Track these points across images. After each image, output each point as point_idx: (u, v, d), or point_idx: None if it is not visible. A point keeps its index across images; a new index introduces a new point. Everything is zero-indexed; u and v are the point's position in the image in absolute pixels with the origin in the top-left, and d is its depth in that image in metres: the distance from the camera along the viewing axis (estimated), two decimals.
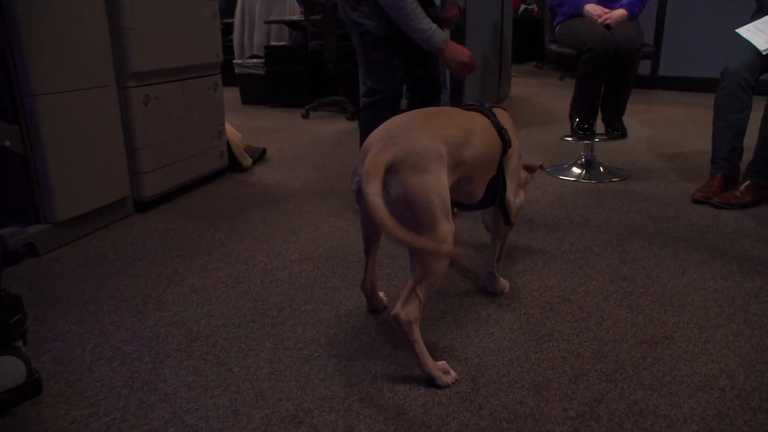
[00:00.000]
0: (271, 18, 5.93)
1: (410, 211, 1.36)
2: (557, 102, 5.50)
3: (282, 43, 5.90)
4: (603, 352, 1.54)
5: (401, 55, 2.40)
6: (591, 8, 2.93)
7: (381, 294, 1.79)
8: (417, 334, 1.40)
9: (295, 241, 2.30)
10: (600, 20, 2.89)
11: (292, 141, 4.18)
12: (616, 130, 3.07)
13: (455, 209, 1.57)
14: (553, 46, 3.10)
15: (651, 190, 2.89)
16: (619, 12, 2.89)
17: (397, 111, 2.42)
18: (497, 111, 1.75)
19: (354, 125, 4.72)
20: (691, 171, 3.20)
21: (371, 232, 1.66)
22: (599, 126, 3.14)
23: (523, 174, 1.91)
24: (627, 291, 1.86)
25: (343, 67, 5.00)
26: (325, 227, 2.45)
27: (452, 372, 1.44)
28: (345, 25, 2.42)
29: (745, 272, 1.98)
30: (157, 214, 2.66)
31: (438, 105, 2.64)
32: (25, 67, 2.06)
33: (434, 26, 2.24)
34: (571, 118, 3.10)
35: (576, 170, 3.17)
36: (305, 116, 5.14)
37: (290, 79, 5.58)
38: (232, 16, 6.29)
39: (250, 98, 5.88)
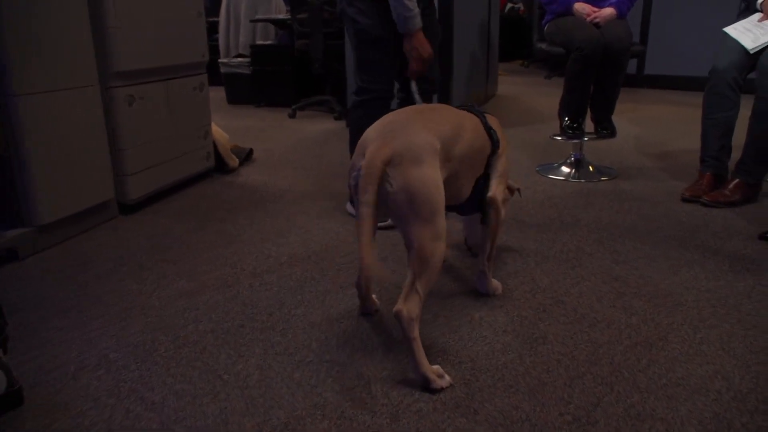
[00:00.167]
0: (257, 17, 5.87)
1: (410, 203, 1.38)
2: (544, 101, 5.50)
3: (268, 42, 5.85)
4: (598, 354, 1.52)
5: (396, 55, 2.37)
6: (580, 7, 2.92)
7: (373, 296, 1.76)
8: (416, 332, 1.38)
9: (284, 244, 2.27)
10: (589, 19, 2.88)
11: (279, 141, 4.14)
12: (605, 129, 3.07)
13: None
14: (542, 45, 3.08)
15: (640, 189, 2.88)
16: (608, 11, 2.88)
17: (387, 111, 2.39)
18: (486, 114, 1.75)
19: (341, 125, 4.68)
20: (679, 170, 3.20)
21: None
22: (588, 125, 3.13)
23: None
24: (620, 292, 1.85)
25: (329, 67, 4.97)
26: (314, 229, 2.42)
27: (446, 376, 1.42)
28: (340, 20, 2.38)
29: (736, 271, 1.98)
30: (142, 216, 2.61)
31: (430, 101, 2.61)
32: (6, 67, 2.01)
33: (418, 9, 2.21)
34: (561, 117, 3.09)
35: (565, 169, 3.16)
36: (292, 116, 5.10)
37: (276, 78, 5.53)
38: (217, 14, 6.23)
39: (235, 98, 5.82)
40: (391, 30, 2.29)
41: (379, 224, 2.30)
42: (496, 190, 1.72)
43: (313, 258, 2.14)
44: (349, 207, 2.56)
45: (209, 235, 2.38)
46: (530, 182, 3.02)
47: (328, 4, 4.78)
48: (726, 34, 2.70)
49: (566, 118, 3.04)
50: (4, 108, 2.05)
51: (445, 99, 4.15)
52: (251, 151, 3.61)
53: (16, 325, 1.70)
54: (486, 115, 1.75)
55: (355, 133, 2.42)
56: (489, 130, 1.69)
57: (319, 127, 4.64)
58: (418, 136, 1.43)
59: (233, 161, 3.34)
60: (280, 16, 5.72)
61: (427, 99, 2.57)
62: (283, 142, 4.09)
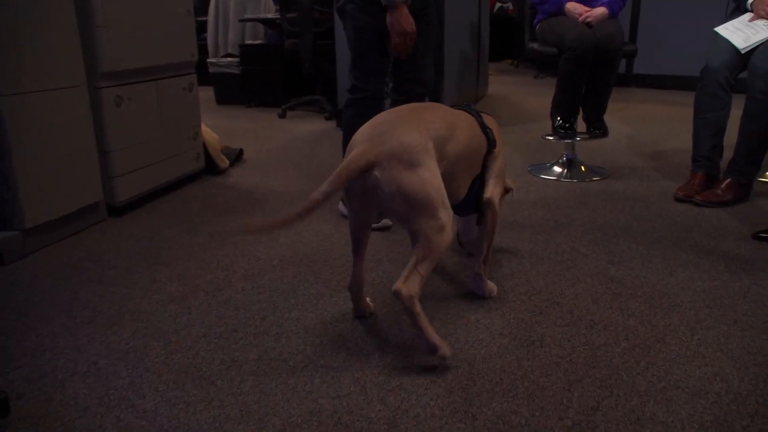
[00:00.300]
0: (246, 16, 5.83)
1: (408, 206, 1.39)
2: (534, 100, 5.50)
3: (257, 42, 5.81)
4: (596, 357, 1.51)
5: (392, 54, 2.34)
6: (572, 6, 2.91)
7: (368, 299, 1.74)
8: (418, 308, 1.41)
9: (276, 246, 2.24)
10: (581, 18, 2.87)
11: (270, 141, 4.11)
12: (597, 128, 3.06)
13: None
14: (534, 45, 3.07)
15: (633, 188, 2.88)
16: (600, 10, 2.87)
17: (380, 111, 2.37)
18: (483, 114, 1.73)
19: (332, 125, 4.66)
20: (671, 169, 3.20)
21: (361, 233, 1.61)
22: (580, 125, 3.13)
23: None
24: (616, 293, 1.84)
25: (319, 66, 4.94)
26: (306, 231, 2.39)
27: (451, 350, 1.47)
28: (340, 17, 2.35)
29: (731, 272, 1.97)
30: (131, 219, 2.57)
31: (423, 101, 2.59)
32: None
33: None
34: (553, 117, 3.08)
35: (557, 169, 3.15)
36: (282, 116, 5.06)
37: (266, 78, 5.49)
38: (206, 14, 6.18)
39: (225, 98, 5.77)
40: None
41: (373, 225, 2.28)
42: (492, 191, 1.71)
43: (306, 260, 2.11)
44: (341, 207, 2.54)
45: (200, 237, 2.34)
46: (523, 182, 3.01)
47: (318, 3, 4.75)
48: (717, 33, 2.70)
49: (558, 118, 3.03)
50: None
51: (437, 99, 4.13)
52: (241, 151, 3.58)
53: (1, 331, 1.67)
54: (483, 114, 1.73)
55: (348, 133, 2.40)
56: (485, 129, 1.67)
57: (310, 127, 4.61)
58: (408, 137, 1.41)
59: (223, 162, 3.31)
60: (270, 16, 5.68)
61: (419, 100, 2.55)
62: (274, 143, 4.06)
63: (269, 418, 1.30)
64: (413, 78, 2.45)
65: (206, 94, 5.49)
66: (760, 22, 2.59)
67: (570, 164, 3.13)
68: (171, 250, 2.23)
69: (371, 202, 1.49)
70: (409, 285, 1.40)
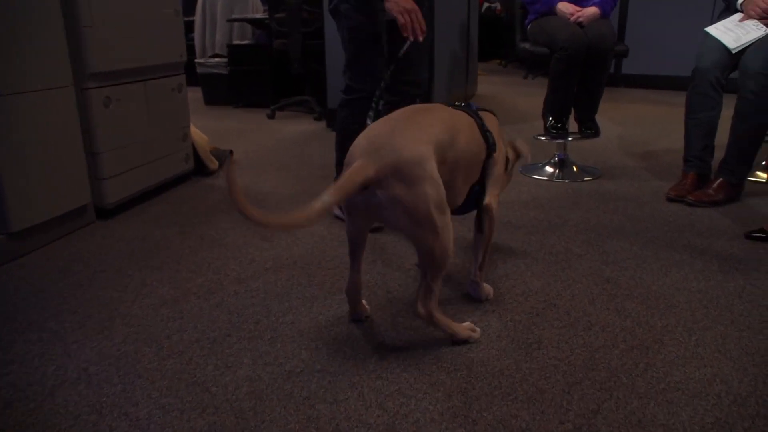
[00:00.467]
0: (234, 16, 5.79)
1: (410, 222, 1.39)
2: (524, 100, 5.50)
3: (245, 42, 5.76)
4: (594, 359, 1.50)
5: (388, 54, 2.32)
6: (563, 6, 2.90)
7: (364, 302, 1.72)
8: (438, 317, 1.51)
9: (269, 248, 2.21)
10: (572, 18, 2.87)
11: (259, 142, 4.07)
12: (589, 128, 3.06)
13: None
14: (526, 45, 3.06)
15: (625, 188, 2.88)
16: (591, 10, 2.87)
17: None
18: (484, 114, 1.71)
19: (322, 125, 4.63)
20: (662, 169, 3.21)
21: (359, 239, 1.59)
22: (572, 125, 3.12)
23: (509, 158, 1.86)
24: (612, 294, 1.83)
25: (308, 67, 4.91)
26: (299, 233, 2.36)
27: (477, 329, 1.60)
28: (333, 15, 2.32)
29: (725, 271, 1.97)
30: (120, 221, 2.53)
31: (416, 102, 2.57)
32: None
33: None
34: (544, 117, 3.07)
35: (549, 169, 3.14)
36: (271, 116, 5.03)
37: (254, 78, 5.46)
38: (193, 14, 6.13)
39: (213, 99, 5.73)
40: (383, 29, 2.25)
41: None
42: (491, 197, 1.68)
43: (299, 263, 2.09)
44: (335, 210, 2.51)
45: (190, 239, 2.31)
46: (514, 182, 3.00)
47: (307, 3, 4.72)
48: (707, 33, 2.71)
49: (550, 118, 3.03)
50: None
51: (428, 98, 4.12)
52: (231, 153, 3.55)
53: None
54: (483, 114, 1.71)
55: (342, 133, 2.38)
56: (485, 132, 1.65)
57: (299, 128, 4.58)
58: (406, 151, 1.37)
59: (213, 163, 3.27)
60: (258, 16, 5.64)
61: (412, 101, 2.53)
62: (263, 144, 4.03)
63: (266, 425, 1.28)
64: (407, 79, 2.44)
65: (194, 94, 5.42)
66: (751, 22, 2.59)
67: (562, 164, 3.13)
68: (161, 252, 2.19)
69: (371, 215, 1.47)
70: (425, 303, 1.48)
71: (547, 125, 3.05)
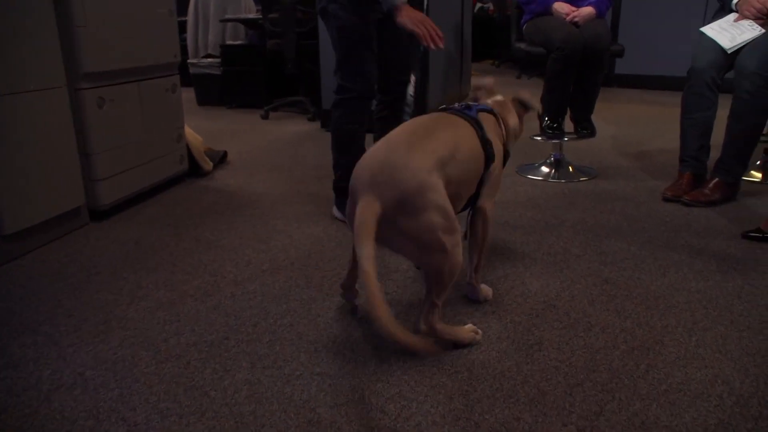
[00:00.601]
0: (227, 16, 5.76)
1: (418, 250, 1.42)
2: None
3: (238, 42, 5.74)
4: (595, 360, 1.49)
5: (378, 53, 2.32)
6: (559, 6, 2.90)
7: (357, 287, 1.75)
8: (440, 328, 1.50)
9: (265, 250, 2.20)
10: (568, 18, 2.87)
11: (253, 143, 4.05)
12: (585, 128, 3.05)
13: None
14: (521, 45, 3.06)
15: (621, 189, 2.88)
16: (587, 10, 2.86)
17: (368, 111, 2.33)
18: (485, 117, 1.68)
19: (316, 126, 4.61)
20: (657, 169, 3.21)
21: None
22: (567, 125, 3.12)
23: (513, 118, 1.86)
24: (611, 294, 1.83)
25: (303, 67, 4.89)
26: (295, 234, 2.35)
27: (479, 331, 1.59)
28: (322, 18, 2.31)
29: (724, 272, 1.97)
30: (114, 223, 2.51)
31: (409, 104, 2.57)
32: None
33: None
34: (540, 117, 3.07)
35: (545, 169, 3.14)
36: (264, 117, 5.01)
37: (248, 79, 5.43)
38: (185, 14, 6.09)
39: (206, 99, 5.70)
40: (373, 28, 2.24)
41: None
42: (486, 201, 1.67)
43: (296, 264, 2.07)
44: (336, 212, 2.49)
45: (186, 241, 2.29)
46: (510, 182, 2.99)
47: (301, 3, 4.70)
48: (703, 34, 2.71)
49: (546, 118, 3.02)
50: None
51: (422, 98, 4.11)
52: (225, 153, 3.53)
53: None
54: (484, 117, 1.67)
55: (336, 133, 2.36)
56: (485, 144, 1.61)
57: (294, 129, 4.56)
58: (411, 182, 1.36)
59: (207, 164, 3.25)
60: (251, 16, 5.61)
61: (400, 98, 2.53)
62: (258, 144, 4.01)
63: (266, 429, 1.26)
64: (399, 79, 2.43)
65: (186, 95, 5.40)
66: (746, 22, 2.60)
67: (558, 164, 3.13)
68: (156, 254, 2.17)
69: (377, 243, 1.47)
70: (428, 319, 1.48)
71: (543, 125, 3.04)
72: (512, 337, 1.60)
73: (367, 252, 1.28)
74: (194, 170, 3.17)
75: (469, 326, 1.59)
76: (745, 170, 2.68)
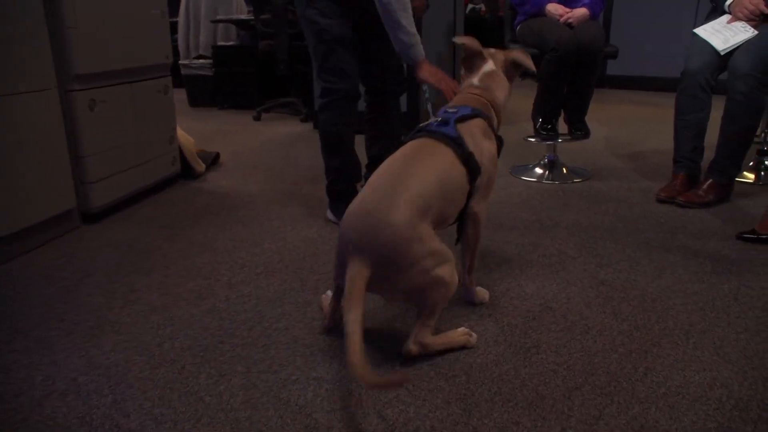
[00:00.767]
0: (218, 17, 5.73)
1: (409, 296, 1.47)
2: (509, 102, 5.49)
3: (230, 43, 5.71)
4: (593, 363, 1.48)
5: (359, 54, 2.31)
6: (552, 8, 2.90)
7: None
8: (431, 343, 1.49)
9: (259, 252, 2.18)
10: (562, 19, 2.86)
11: (245, 144, 4.03)
12: (579, 130, 3.05)
13: None
14: (516, 46, 3.05)
15: (615, 190, 2.88)
16: (581, 11, 2.86)
17: (354, 112, 2.31)
18: (465, 129, 1.61)
19: (308, 127, 4.60)
20: (651, 170, 3.22)
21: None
22: (561, 126, 3.12)
23: (503, 91, 1.83)
24: (608, 296, 1.82)
25: (295, 68, 4.87)
26: (289, 236, 2.33)
27: (473, 333, 1.58)
28: (299, 23, 2.30)
29: (719, 273, 1.97)
30: (106, 225, 2.48)
31: (397, 105, 2.55)
32: None
33: (419, 38, 2.13)
34: (534, 119, 3.06)
35: (539, 171, 3.14)
36: (257, 118, 4.99)
37: (240, 80, 5.41)
38: (176, 15, 6.06)
39: (197, 100, 5.67)
40: (352, 30, 2.23)
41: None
42: (477, 203, 1.65)
43: (291, 267, 2.06)
44: (329, 215, 2.48)
45: (179, 244, 2.27)
46: (504, 184, 2.99)
47: (292, 4, 4.67)
48: (696, 35, 2.71)
49: (540, 120, 3.02)
50: None
51: (415, 100, 4.10)
52: (218, 155, 3.50)
53: None
54: (464, 129, 1.61)
55: (325, 136, 2.35)
56: (468, 162, 1.57)
57: (286, 130, 4.55)
58: (395, 236, 1.37)
59: (200, 166, 3.23)
60: (242, 17, 5.59)
61: (395, 98, 2.52)
62: (250, 146, 3.99)
63: None
64: (382, 77, 2.44)
65: (178, 96, 5.36)
66: (739, 24, 2.60)
67: (552, 166, 3.13)
68: (149, 257, 2.15)
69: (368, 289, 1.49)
70: (417, 340, 1.47)
71: (537, 127, 3.04)
72: (509, 340, 1.59)
73: (355, 317, 1.31)
74: (186, 172, 3.15)
75: (462, 329, 1.58)
76: (739, 171, 2.68)
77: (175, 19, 6.04)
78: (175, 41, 5.98)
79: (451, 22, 5.22)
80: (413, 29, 2.09)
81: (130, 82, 2.62)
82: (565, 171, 3.12)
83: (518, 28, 3.07)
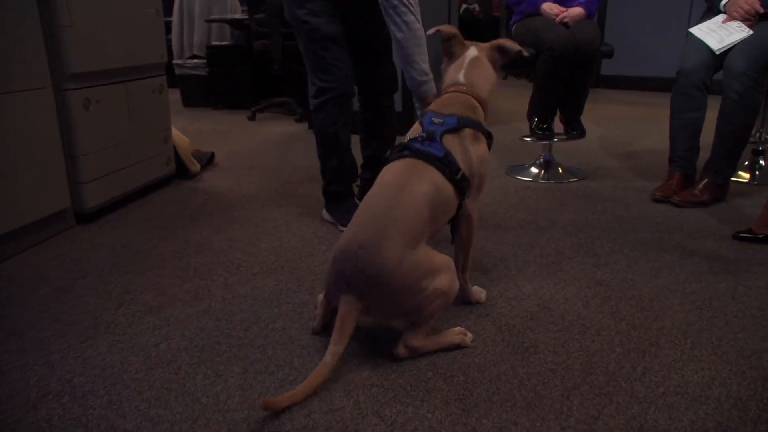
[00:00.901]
0: (212, 17, 5.71)
1: (406, 316, 1.48)
2: (504, 101, 5.50)
3: (224, 43, 5.69)
4: (591, 363, 1.48)
5: (351, 52, 2.30)
6: (548, 7, 2.89)
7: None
8: (422, 345, 1.49)
9: (255, 253, 2.17)
10: (557, 19, 2.86)
11: (240, 144, 4.02)
12: (575, 129, 3.05)
13: None
14: None
15: (611, 189, 2.88)
16: (577, 10, 2.86)
17: (349, 111, 2.30)
18: (452, 141, 1.58)
19: (303, 127, 4.59)
20: (646, 170, 3.22)
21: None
22: (557, 125, 3.12)
23: (488, 84, 1.77)
24: (605, 296, 1.82)
25: (289, 68, 4.86)
26: (285, 236, 2.32)
27: (468, 333, 1.57)
28: (290, 23, 2.29)
29: (716, 273, 1.97)
30: (101, 226, 2.47)
31: (392, 104, 2.55)
32: None
33: (432, 75, 2.12)
34: (530, 118, 3.06)
35: (534, 170, 3.14)
36: (251, 118, 4.97)
37: (234, 79, 5.39)
38: (170, 14, 6.03)
39: (191, 100, 5.65)
40: (344, 29, 2.23)
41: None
42: (470, 203, 1.64)
43: (287, 267, 2.05)
44: (325, 215, 2.47)
45: (174, 244, 2.26)
46: (500, 183, 2.99)
47: None
48: (691, 34, 2.72)
49: (536, 119, 3.02)
50: None
51: (410, 101, 4.09)
52: (213, 155, 3.49)
53: None
54: (450, 142, 1.57)
55: (321, 137, 2.34)
56: (455, 180, 1.55)
57: (281, 130, 4.53)
58: (389, 275, 1.38)
59: (195, 166, 3.21)
60: (236, 16, 5.58)
61: (389, 96, 2.51)
62: (245, 146, 3.97)
63: None
64: (375, 74, 2.43)
65: (172, 96, 5.34)
66: (734, 24, 2.61)
67: (547, 165, 3.13)
68: (144, 257, 2.14)
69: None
70: (408, 343, 1.48)
71: (533, 126, 3.04)
72: (507, 340, 1.58)
73: (337, 350, 1.37)
74: (181, 172, 3.13)
75: (458, 329, 1.58)
76: (735, 171, 2.69)
77: (168, 19, 6.02)
78: (168, 41, 5.95)
79: (446, 22, 5.21)
80: (426, 65, 2.09)
81: (124, 82, 2.61)
82: (560, 171, 3.12)
83: (514, 27, 3.07)
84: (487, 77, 1.75)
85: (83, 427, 1.27)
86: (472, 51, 1.76)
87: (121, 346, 1.57)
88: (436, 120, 1.61)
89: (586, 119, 3.13)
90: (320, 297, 1.68)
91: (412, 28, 2.07)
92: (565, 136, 3.09)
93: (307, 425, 1.27)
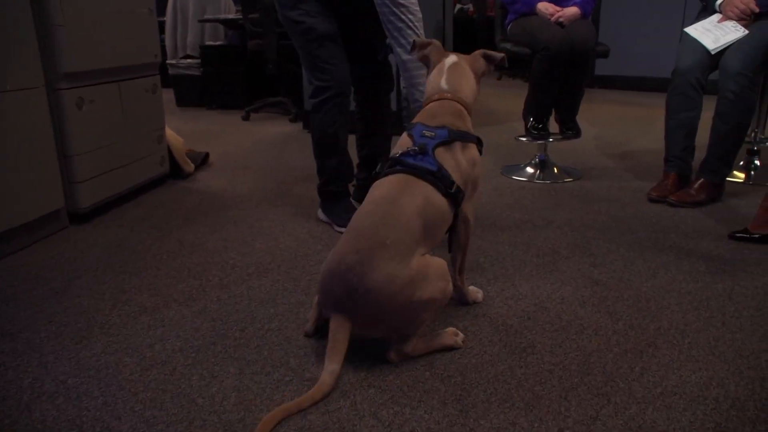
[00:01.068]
0: (206, 16, 5.69)
1: (407, 326, 1.46)
2: (499, 101, 5.50)
3: (218, 43, 5.67)
4: (589, 363, 1.47)
5: (347, 52, 2.29)
6: (543, 7, 2.89)
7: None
8: (413, 350, 1.48)
9: (250, 253, 2.15)
10: (553, 18, 2.86)
11: (235, 144, 4.00)
12: (570, 129, 3.05)
13: None
14: (507, 45, 3.04)
15: (606, 189, 2.88)
16: (572, 10, 2.86)
17: (348, 110, 2.29)
18: (444, 154, 1.56)
19: (298, 127, 4.57)
20: (641, 170, 3.22)
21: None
22: (552, 125, 3.12)
23: (470, 92, 1.75)
24: (602, 296, 1.81)
25: (284, 67, 4.84)
26: (281, 236, 2.31)
27: (459, 333, 1.57)
28: (283, 23, 2.27)
29: (713, 272, 1.97)
30: (95, 226, 2.45)
31: (388, 103, 2.54)
32: None
33: None
34: (525, 118, 3.06)
35: (530, 170, 3.14)
36: (245, 118, 4.96)
37: (228, 79, 5.37)
38: (163, 14, 6.01)
39: (185, 100, 5.63)
40: (339, 28, 2.22)
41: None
42: (464, 205, 1.63)
43: (283, 267, 2.03)
44: (321, 214, 2.46)
45: (169, 244, 2.24)
46: (496, 184, 2.98)
47: None
48: (687, 34, 2.72)
49: (531, 119, 3.01)
50: None
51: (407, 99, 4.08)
52: (207, 155, 3.47)
53: None
54: (442, 155, 1.56)
55: (319, 137, 2.32)
56: (449, 194, 1.54)
57: (275, 130, 4.52)
58: (377, 294, 1.36)
59: (189, 166, 3.19)
60: (230, 16, 5.56)
61: (385, 95, 2.50)
62: (239, 146, 3.96)
63: None
64: (376, 76, 2.42)
65: (165, 96, 5.32)
66: (729, 23, 2.61)
67: (543, 165, 3.13)
68: (139, 258, 2.12)
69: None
70: (397, 347, 1.47)
71: (529, 126, 3.04)
72: (504, 340, 1.58)
73: (333, 368, 1.36)
74: (175, 172, 3.11)
75: (451, 329, 1.57)
76: (730, 171, 2.69)
77: (162, 19, 6.00)
78: (162, 41, 5.93)
79: (441, 22, 5.21)
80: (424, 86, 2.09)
81: (118, 81, 2.59)
82: (556, 170, 3.12)
83: (509, 27, 3.06)
84: (469, 84, 1.74)
85: (78, 428, 1.26)
86: (452, 57, 1.75)
87: (115, 347, 1.56)
88: (428, 133, 1.59)
89: (581, 119, 3.13)
90: (317, 298, 1.67)
91: None
92: (560, 136, 3.09)
93: (303, 426, 1.26)
